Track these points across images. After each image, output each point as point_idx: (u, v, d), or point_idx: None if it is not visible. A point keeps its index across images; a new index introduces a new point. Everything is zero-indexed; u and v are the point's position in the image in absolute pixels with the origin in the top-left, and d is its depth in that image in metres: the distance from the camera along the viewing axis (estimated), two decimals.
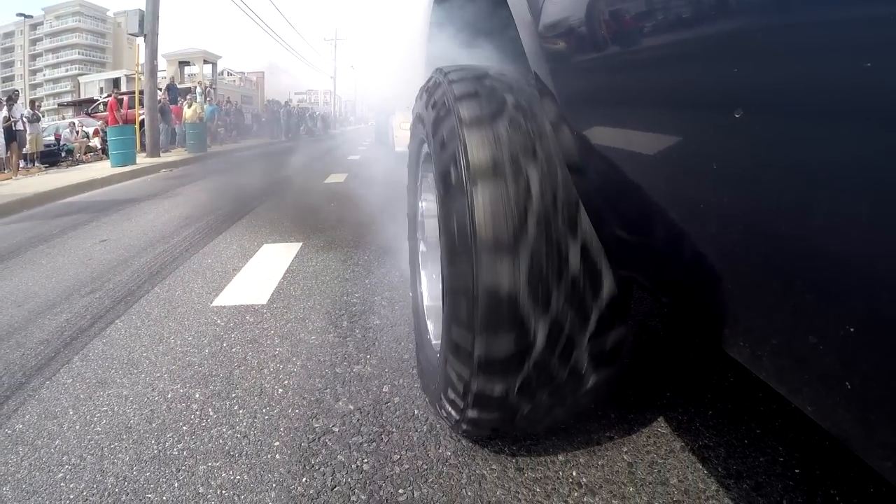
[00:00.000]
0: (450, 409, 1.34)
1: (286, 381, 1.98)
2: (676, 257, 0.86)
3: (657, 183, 0.81)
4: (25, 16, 55.72)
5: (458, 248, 1.14)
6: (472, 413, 1.26)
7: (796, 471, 1.43)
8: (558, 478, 1.44)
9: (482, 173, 1.08)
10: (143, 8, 14.00)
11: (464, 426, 1.34)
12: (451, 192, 1.16)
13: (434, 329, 1.69)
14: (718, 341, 0.82)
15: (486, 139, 1.10)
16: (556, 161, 1.10)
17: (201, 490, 1.45)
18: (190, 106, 17.28)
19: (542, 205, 1.07)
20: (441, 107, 1.28)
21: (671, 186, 0.77)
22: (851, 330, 0.52)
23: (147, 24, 13.93)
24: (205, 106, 18.63)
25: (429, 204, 1.87)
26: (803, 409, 0.67)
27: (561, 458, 1.51)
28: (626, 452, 1.53)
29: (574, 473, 1.45)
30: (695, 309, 0.91)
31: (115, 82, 31.52)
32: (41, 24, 71.64)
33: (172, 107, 18.08)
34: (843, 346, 0.54)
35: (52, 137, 16.03)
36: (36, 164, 13.47)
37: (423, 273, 1.92)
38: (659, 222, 0.85)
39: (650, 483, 1.41)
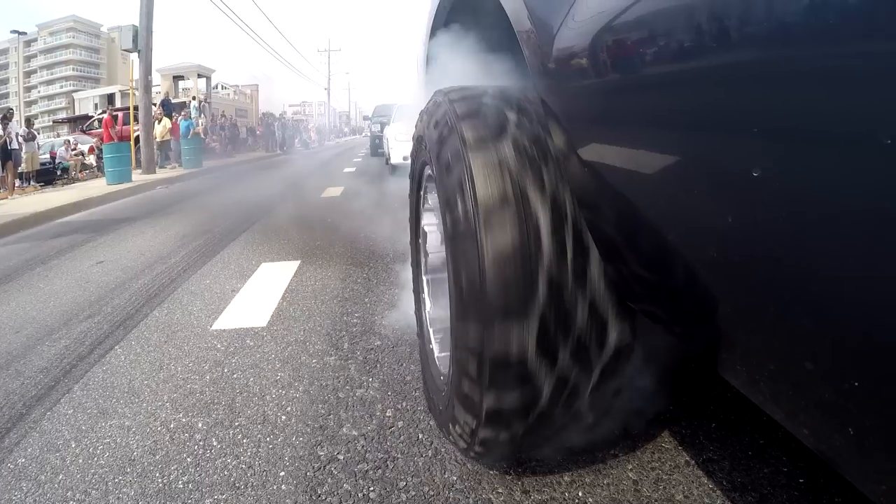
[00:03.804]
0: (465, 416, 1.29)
1: (289, 408, 1.97)
2: (674, 283, 0.86)
3: (656, 210, 0.81)
4: (19, 33, 55.84)
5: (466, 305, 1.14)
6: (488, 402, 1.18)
7: (800, 480, 1.44)
8: (564, 499, 1.44)
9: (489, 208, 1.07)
10: (137, 24, 14.03)
11: (480, 433, 1.25)
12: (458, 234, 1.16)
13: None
14: (715, 365, 0.82)
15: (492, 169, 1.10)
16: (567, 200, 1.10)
17: None
18: (160, 122, 16.66)
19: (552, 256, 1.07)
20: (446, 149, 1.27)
21: (669, 214, 0.78)
22: (848, 357, 0.53)
23: (141, 40, 13.97)
24: (181, 120, 18.38)
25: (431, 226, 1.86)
26: (797, 434, 0.67)
27: (566, 478, 1.51)
28: (630, 470, 1.53)
29: (580, 494, 1.45)
30: (692, 333, 0.91)
31: (110, 98, 31.65)
32: (35, 40, 71.81)
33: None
34: (839, 371, 0.55)
35: (48, 156, 16.06)
36: (32, 182, 13.47)
37: (426, 290, 1.91)
38: (661, 247, 0.85)
39: (656, 500, 1.41)
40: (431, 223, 1.82)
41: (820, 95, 0.49)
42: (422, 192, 1.82)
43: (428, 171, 1.58)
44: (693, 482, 1.47)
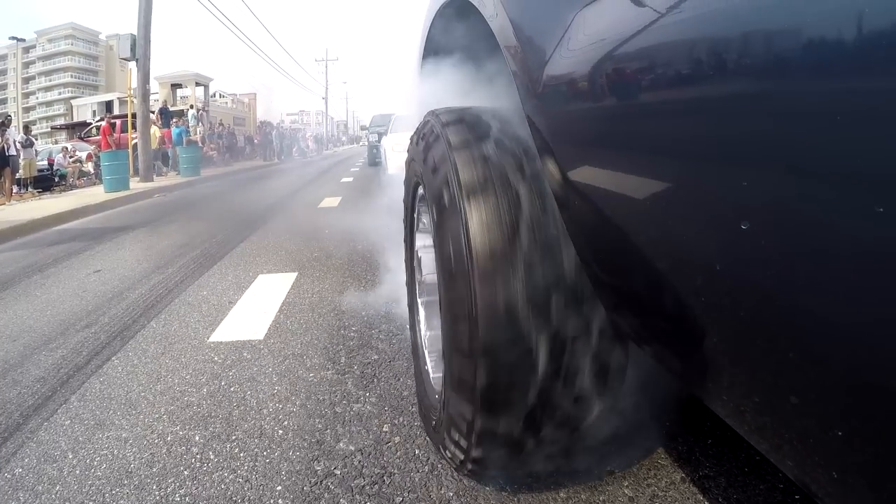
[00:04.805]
0: (454, 450, 1.32)
1: (286, 422, 1.97)
2: (661, 308, 0.86)
3: (646, 235, 0.81)
4: (18, 39, 55.99)
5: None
6: (476, 453, 1.25)
7: (796, 496, 1.44)
8: None
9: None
10: (135, 32, 14.07)
11: (469, 466, 1.32)
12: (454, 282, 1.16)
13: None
14: (701, 395, 0.83)
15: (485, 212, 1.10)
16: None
17: None
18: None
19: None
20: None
21: (658, 239, 0.78)
22: (832, 392, 0.54)
23: (139, 49, 14.01)
24: (173, 127, 18.30)
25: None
26: (781, 466, 0.68)
27: (563, 494, 1.51)
28: (626, 486, 1.54)
29: None
30: (679, 363, 0.92)
31: (108, 105, 31.67)
32: (34, 47, 71.98)
33: (164, 130, 18.06)
34: (823, 406, 0.56)
35: (46, 162, 16.06)
36: (29, 189, 13.46)
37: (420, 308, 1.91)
38: (646, 273, 0.85)
39: None
40: (426, 245, 1.82)
41: (806, 124, 0.50)
42: (415, 215, 1.83)
43: (421, 191, 1.57)
44: (689, 499, 1.47)
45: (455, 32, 2.03)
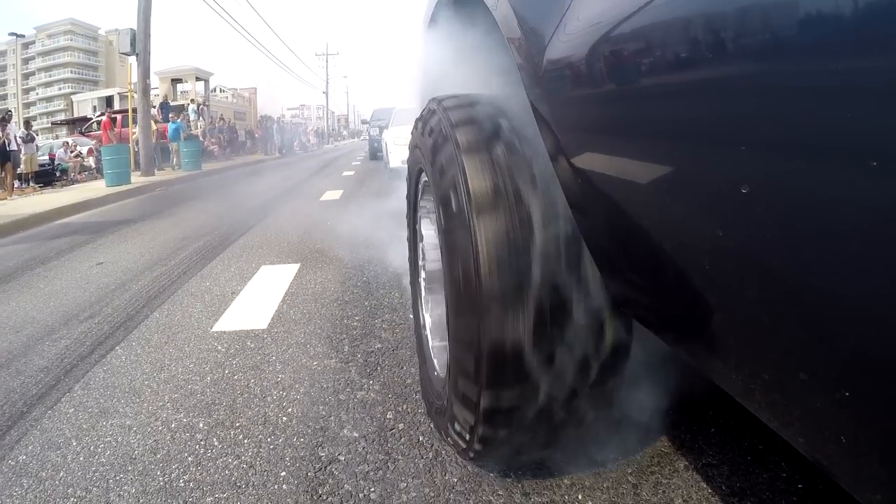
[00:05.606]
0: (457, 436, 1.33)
1: (290, 409, 1.98)
2: (670, 290, 0.86)
3: (652, 218, 0.82)
4: (17, 35, 55.95)
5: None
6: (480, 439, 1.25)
7: (799, 486, 1.44)
8: (564, 501, 1.44)
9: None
10: (135, 27, 14.03)
11: (472, 452, 1.32)
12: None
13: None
14: (710, 374, 0.83)
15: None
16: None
17: None
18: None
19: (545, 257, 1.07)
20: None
21: (664, 221, 0.78)
22: (842, 366, 0.54)
23: (139, 43, 13.96)
24: (170, 122, 18.26)
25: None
26: (793, 442, 0.67)
27: (566, 481, 1.51)
28: (630, 473, 1.54)
29: (580, 497, 1.46)
30: (686, 341, 0.91)
31: (108, 100, 31.61)
32: (33, 43, 71.81)
33: (162, 125, 18.02)
34: (832, 381, 0.55)
35: (47, 157, 16.05)
36: (31, 183, 13.46)
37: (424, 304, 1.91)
38: (653, 255, 0.85)
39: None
40: (428, 230, 1.82)
41: (811, 105, 0.49)
42: (418, 199, 1.83)
43: (424, 178, 1.58)
44: (692, 486, 1.47)
45: (457, 19, 2.02)
